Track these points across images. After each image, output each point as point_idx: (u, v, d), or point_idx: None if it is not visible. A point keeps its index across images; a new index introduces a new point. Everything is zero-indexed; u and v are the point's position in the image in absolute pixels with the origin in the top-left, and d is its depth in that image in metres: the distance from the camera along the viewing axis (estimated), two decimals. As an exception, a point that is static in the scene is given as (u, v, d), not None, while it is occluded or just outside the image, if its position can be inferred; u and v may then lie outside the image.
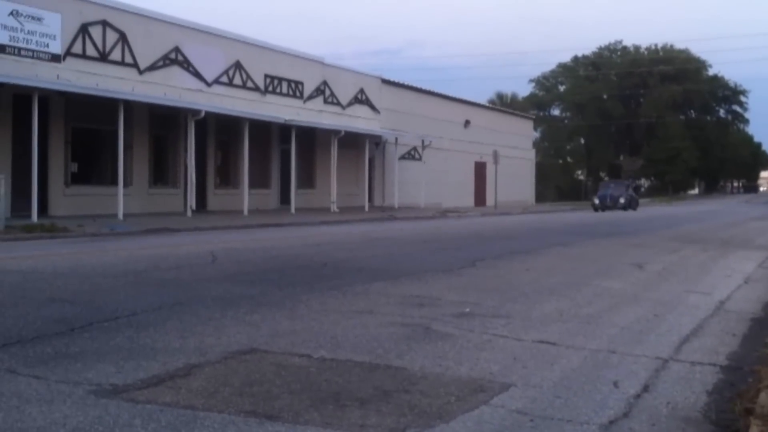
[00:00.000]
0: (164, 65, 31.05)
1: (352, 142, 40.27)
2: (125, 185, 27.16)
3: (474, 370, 5.10)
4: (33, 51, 25.97)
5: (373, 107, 43.91)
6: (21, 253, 14.22)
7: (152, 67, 30.45)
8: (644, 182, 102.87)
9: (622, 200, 52.22)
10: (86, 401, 4.11)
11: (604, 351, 5.92)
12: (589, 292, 9.25)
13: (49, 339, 5.71)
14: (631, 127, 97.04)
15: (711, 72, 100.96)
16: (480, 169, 54.92)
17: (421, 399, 4.37)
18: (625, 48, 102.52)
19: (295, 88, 38.47)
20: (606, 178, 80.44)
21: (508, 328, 6.66)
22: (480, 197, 54.93)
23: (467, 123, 53.75)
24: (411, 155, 45.61)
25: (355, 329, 6.41)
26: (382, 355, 5.43)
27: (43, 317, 6.66)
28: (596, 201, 52.74)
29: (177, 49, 31.62)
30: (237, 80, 34.90)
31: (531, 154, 66.38)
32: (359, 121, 41.75)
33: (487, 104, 72.88)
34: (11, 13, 25.15)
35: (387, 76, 46.49)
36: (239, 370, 4.94)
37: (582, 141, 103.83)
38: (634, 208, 52.82)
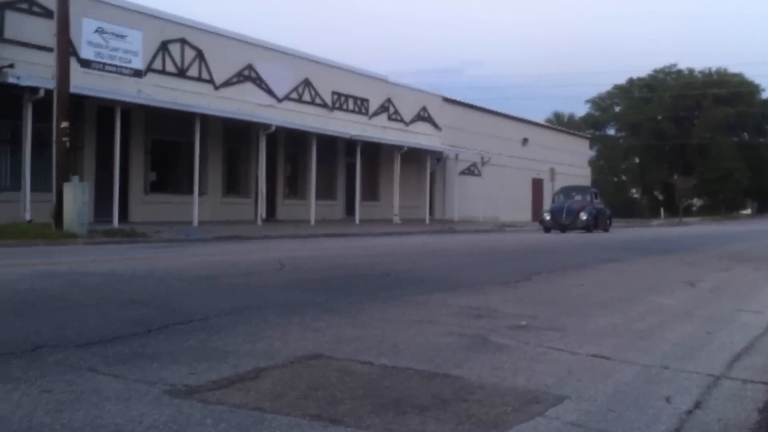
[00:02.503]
0: (238, 81, 31.49)
1: (415, 157, 40.34)
2: (200, 194, 27.57)
3: (529, 382, 5.05)
4: (116, 66, 26.53)
5: (434, 124, 43.95)
6: (102, 256, 14.49)
7: (227, 83, 30.90)
8: (696, 201, 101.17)
9: (583, 216, 36.30)
10: (161, 400, 4.15)
11: (657, 366, 5.81)
12: (642, 308, 9.09)
13: (127, 339, 5.79)
14: (685, 147, 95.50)
15: (765, 95, 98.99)
16: (537, 185, 54.61)
17: (478, 408, 4.33)
18: (679, 71, 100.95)
19: (360, 105, 38.68)
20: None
21: (563, 341, 6.58)
22: (536, 212, 54.54)
23: (525, 141, 53.49)
24: (470, 171, 45.52)
25: (416, 338, 6.39)
26: (441, 364, 5.41)
27: (121, 318, 6.76)
28: (546, 217, 37.16)
29: (250, 67, 32.04)
30: (306, 96, 35.21)
31: (586, 172, 65.82)
32: (421, 137, 41.82)
33: (545, 123, 72.44)
34: (97, 31, 25.73)
35: (447, 94, 46.59)
36: (305, 374, 4.96)
37: (636, 160, 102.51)
38: (605, 228, 38.48)
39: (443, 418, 4.11)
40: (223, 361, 5.17)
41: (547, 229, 35.93)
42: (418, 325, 7.04)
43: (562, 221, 35.98)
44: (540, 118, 76.68)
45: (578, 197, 38.70)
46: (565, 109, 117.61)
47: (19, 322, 6.45)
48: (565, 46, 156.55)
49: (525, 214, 53.11)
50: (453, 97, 47.21)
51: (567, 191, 40.26)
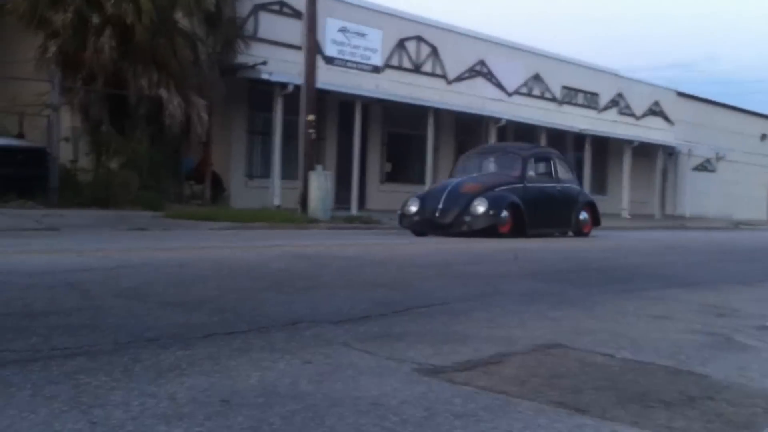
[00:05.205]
0: (469, 77, 31.70)
1: (645, 151, 39.03)
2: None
3: (779, 384, 4.76)
4: (357, 63, 27.43)
5: (667, 119, 42.27)
6: (344, 241, 15.06)
7: (459, 78, 31.19)
8: None
9: (480, 208, 17.21)
10: (410, 378, 4.26)
11: None
12: None
13: (374, 319, 5.98)
14: None
15: None
16: (775, 182, 51.31)
17: (727, 407, 4.14)
18: None
19: (590, 99, 37.87)
20: None
21: (813, 345, 6.14)
22: (774, 211, 51.34)
23: (764, 137, 50.31)
24: (704, 166, 43.49)
25: (654, 333, 6.18)
26: (684, 361, 5.20)
27: (367, 299, 6.99)
28: (412, 208, 17.91)
29: (482, 62, 32.17)
30: (535, 91, 34.93)
31: (832, 170, 61.08)
32: (652, 132, 40.35)
33: (785, 118, 67.80)
34: (340, 30, 26.71)
35: (680, 89, 44.58)
36: (545, 362, 4.92)
37: None
38: (574, 230, 19.68)
39: (691, 415, 3.95)
40: (465, 345, 5.23)
41: (417, 233, 17.89)
42: (656, 321, 6.81)
43: (435, 218, 17.70)
44: (779, 114, 71.82)
45: (497, 171, 19.09)
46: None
47: (277, 298, 6.83)
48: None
49: (761, 212, 50.05)
50: (686, 91, 45.26)
51: (484, 154, 20.91)
